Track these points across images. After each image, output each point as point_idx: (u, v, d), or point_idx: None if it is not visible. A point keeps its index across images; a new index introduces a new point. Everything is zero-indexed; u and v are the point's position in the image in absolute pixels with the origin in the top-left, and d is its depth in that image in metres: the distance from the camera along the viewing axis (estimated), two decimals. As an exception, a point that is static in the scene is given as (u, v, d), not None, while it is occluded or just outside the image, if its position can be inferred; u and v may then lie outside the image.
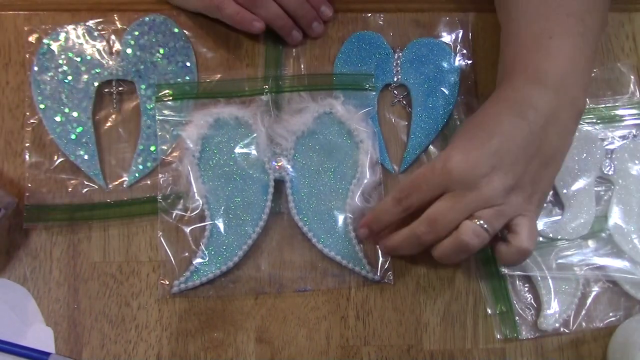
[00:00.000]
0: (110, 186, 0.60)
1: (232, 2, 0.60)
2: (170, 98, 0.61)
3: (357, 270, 0.58)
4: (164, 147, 0.60)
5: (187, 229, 0.58)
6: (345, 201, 0.60)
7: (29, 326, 0.57)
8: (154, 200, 0.59)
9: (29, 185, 0.59)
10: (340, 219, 0.59)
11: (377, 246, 0.59)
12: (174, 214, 0.59)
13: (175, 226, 0.59)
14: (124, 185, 0.60)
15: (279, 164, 0.60)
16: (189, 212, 0.59)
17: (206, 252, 0.58)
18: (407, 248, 0.54)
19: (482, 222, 0.51)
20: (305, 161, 0.60)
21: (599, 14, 0.55)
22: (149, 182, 0.60)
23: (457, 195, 0.51)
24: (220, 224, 0.59)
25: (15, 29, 0.63)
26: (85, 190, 0.60)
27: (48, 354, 0.55)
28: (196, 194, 0.59)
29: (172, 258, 0.58)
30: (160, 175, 0.59)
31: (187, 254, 0.58)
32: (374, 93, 0.62)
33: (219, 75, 0.63)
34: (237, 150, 0.60)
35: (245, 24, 0.60)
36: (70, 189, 0.60)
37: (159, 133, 0.60)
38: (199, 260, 0.58)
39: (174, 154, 0.60)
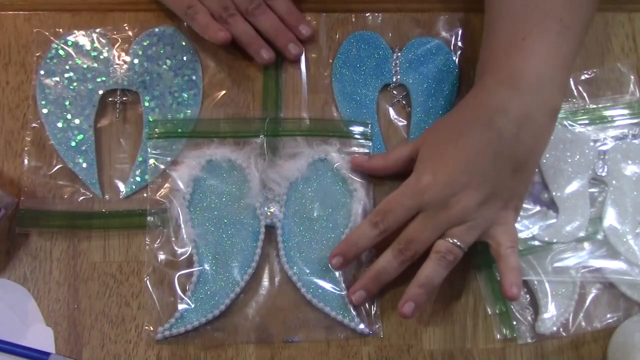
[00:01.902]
0: (106, 196, 0.60)
1: (205, 14, 0.59)
2: (164, 136, 0.60)
3: (346, 322, 0.57)
4: (154, 187, 0.59)
5: (174, 274, 0.57)
6: None
7: (29, 326, 0.57)
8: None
9: (25, 189, 0.59)
10: (331, 269, 0.58)
11: (353, 298, 0.56)
12: (160, 258, 0.58)
13: (162, 270, 0.57)
14: (120, 196, 0.60)
15: (271, 210, 0.59)
16: (176, 256, 0.58)
17: (192, 299, 0.57)
18: (388, 270, 0.55)
19: (454, 240, 0.53)
20: (298, 208, 0.59)
21: (580, 10, 0.55)
22: (145, 194, 0.60)
23: (428, 216, 0.53)
24: (208, 270, 0.57)
25: (16, 29, 0.63)
26: (81, 198, 0.59)
27: (48, 354, 0.55)
28: (185, 238, 0.58)
29: (157, 303, 0.57)
30: (149, 218, 0.58)
31: (172, 299, 0.57)
32: (370, 143, 0.62)
33: (221, 115, 0.62)
34: (229, 194, 0.59)
35: (211, 33, 0.59)
36: (66, 196, 0.59)
37: (150, 172, 0.59)
38: (184, 306, 0.56)
39: (164, 194, 0.59)
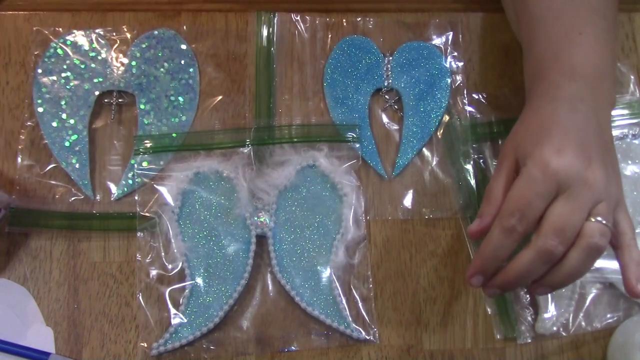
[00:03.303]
0: (97, 197, 0.60)
1: None
2: (150, 151, 0.60)
3: (342, 329, 0.57)
4: (142, 202, 0.59)
5: (166, 289, 0.57)
6: (329, 257, 0.58)
7: (29, 326, 0.57)
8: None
9: (17, 187, 0.59)
10: (324, 276, 0.58)
11: (485, 292, 0.50)
12: (152, 273, 0.58)
13: (154, 286, 0.57)
14: (112, 199, 0.60)
15: (261, 219, 0.58)
16: (168, 271, 0.57)
17: (186, 313, 0.56)
18: (533, 272, 0.48)
19: (600, 218, 0.47)
20: (288, 216, 0.59)
21: (615, 7, 0.56)
22: (136, 197, 0.59)
23: (571, 195, 0.47)
24: (201, 283, 0.57)
25: (15, 29, 0.63)
26: (73, 198, 0.59)
27: (48, 354, 0.55)
28: (176, 252, 0.57)
29: (150, 319, 0.57)
30: (139, 234, 0.58)
31: (166, 314, 0.57)
32: (357, 145, 0.61)
33: (216, 120, 0.62)
34: (218, 205, 0.59)
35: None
36: (57, 196, 0.59)
37: (138, 187, 0.59)
38: (178, 321, 0.56)
39: (153, 209, 0.59)
